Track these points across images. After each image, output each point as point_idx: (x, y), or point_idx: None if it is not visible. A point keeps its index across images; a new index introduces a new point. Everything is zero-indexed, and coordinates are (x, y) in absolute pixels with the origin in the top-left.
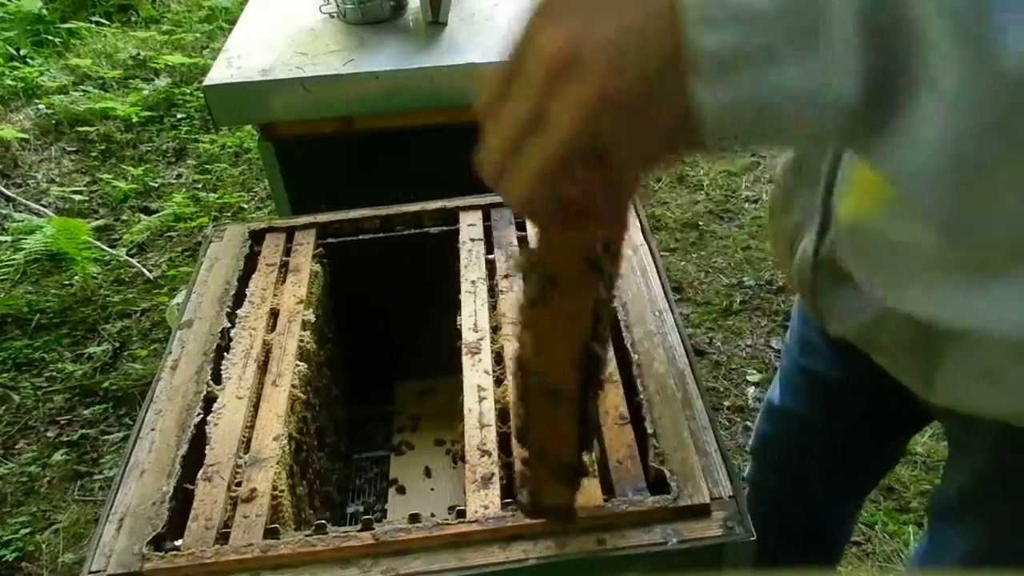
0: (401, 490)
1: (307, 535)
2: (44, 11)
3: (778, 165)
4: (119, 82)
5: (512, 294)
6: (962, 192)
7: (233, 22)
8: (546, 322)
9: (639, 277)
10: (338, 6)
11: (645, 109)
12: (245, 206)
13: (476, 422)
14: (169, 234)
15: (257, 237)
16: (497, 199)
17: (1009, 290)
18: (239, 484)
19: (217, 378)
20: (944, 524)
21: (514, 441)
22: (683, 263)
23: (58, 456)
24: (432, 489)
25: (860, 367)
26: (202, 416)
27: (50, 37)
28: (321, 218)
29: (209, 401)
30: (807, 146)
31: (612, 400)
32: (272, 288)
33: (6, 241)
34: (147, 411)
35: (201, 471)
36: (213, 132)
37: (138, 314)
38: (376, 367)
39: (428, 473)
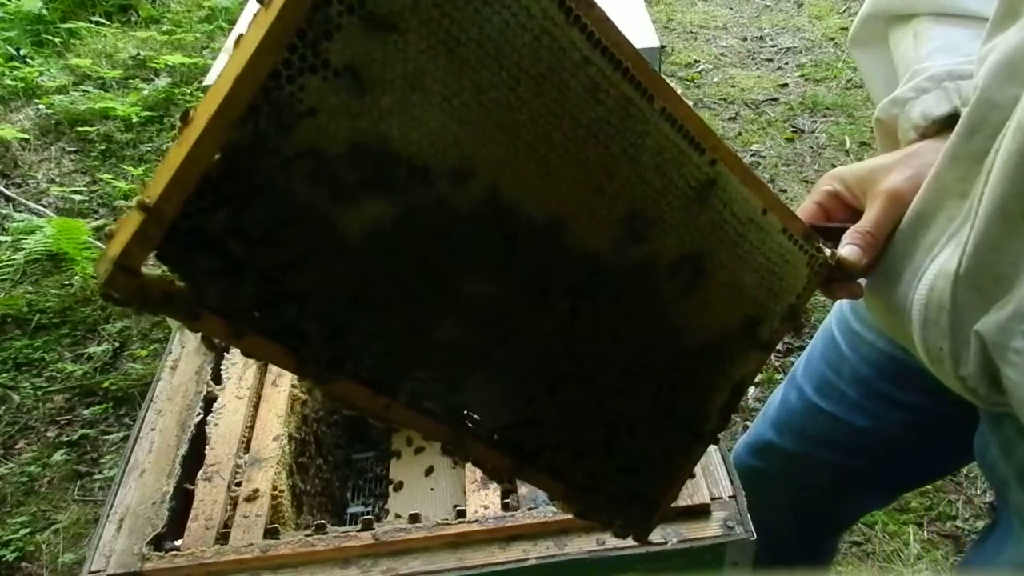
0: (400, 487)
1: (307, 535)
2: (44, 11)
3: None
4: (119, 82)
5: None
6: None
7: (233, 22)
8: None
9: None
10: None
11: None
12: None
13: None
14: None
15: None
16: None
17: None
18: (239, 484)
19: (217, 378)
20: None
21: None
22: None
23: (58, 456)
24: (432, 489)
25: (897, 416)
26: (202, 416)
27: (50, 37)
28: None
29: (209, 401)
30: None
31: None
32: None
33: (6, 241)
34: (147, 411)
35: (201, 471)
36: None
37: (138, 314)
38: None
39: (428, 473)
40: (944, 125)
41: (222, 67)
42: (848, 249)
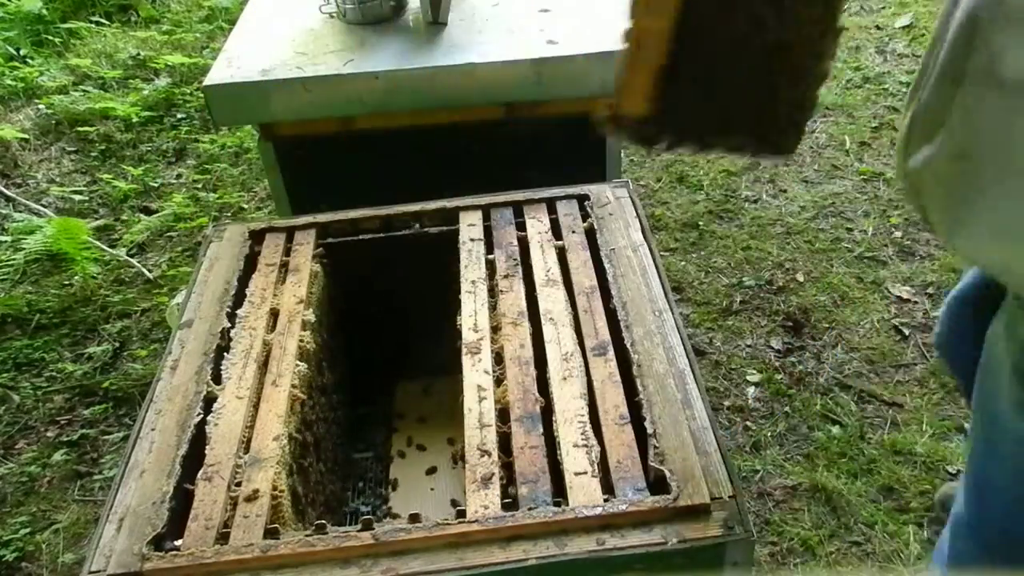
0: (398, 487)
1: (307, 535)
2: (44, 11)
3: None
4: (119, 82)
5: (512, 294)
6: None
7: (233, 22)
8: None
9: (639, 277)
10: (338, 6)
11: None
12: (245, 206)
13: (476, 422)
14: (169, 234)
15: (257, 237)
16: (497, 199)
17: None
18: (239, 484)
19: (217, 378)
20: None
21: None
22: (683, 263)
23: (58, 456)
24: (432, 489)
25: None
26: (202, 416)
27: (50, 37)
28: (321, 218)
29: (209, 401)
30: None
31: (612, 400)
32: (272, 288)
33: (6, 241)
34: (147, 411)
35: (201, 471)
36: (213, 132)
37: (138, 314)
38: (376, 367)
39: (429, 472)
40: None
41: None
42: None
